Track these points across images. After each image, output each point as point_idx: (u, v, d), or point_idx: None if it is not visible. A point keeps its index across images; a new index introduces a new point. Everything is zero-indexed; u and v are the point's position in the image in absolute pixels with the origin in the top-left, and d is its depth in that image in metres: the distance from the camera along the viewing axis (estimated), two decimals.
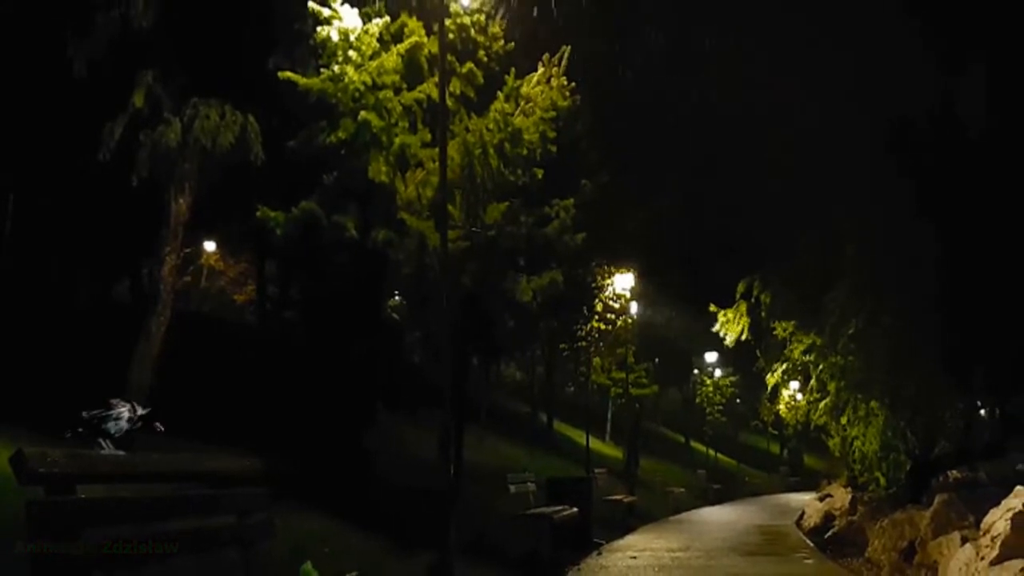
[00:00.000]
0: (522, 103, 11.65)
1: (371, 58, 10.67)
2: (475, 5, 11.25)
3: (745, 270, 18.55)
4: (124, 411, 8.68)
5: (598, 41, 18.60)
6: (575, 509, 12.58)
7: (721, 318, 19.06)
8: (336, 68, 10.53)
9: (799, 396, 22.97)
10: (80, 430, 8.33)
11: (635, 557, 12.17)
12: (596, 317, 22.12)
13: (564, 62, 11.90)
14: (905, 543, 10.37)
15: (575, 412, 33.65)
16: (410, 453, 16.05)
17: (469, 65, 11.15)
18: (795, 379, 19.96)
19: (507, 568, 9.94)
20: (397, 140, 10.67)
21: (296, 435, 11.32)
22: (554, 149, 11.81)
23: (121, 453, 7.52)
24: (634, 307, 23.82)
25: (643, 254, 24.34)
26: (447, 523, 7.81)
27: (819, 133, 15.20)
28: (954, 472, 19.84)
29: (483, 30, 11.41)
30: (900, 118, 13.69)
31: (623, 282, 22.25)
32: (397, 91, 10.78)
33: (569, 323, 20.79)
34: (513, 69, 11.63)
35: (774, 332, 17.60)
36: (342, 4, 10.57)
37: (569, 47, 12.01)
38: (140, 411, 8.90)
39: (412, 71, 10.96)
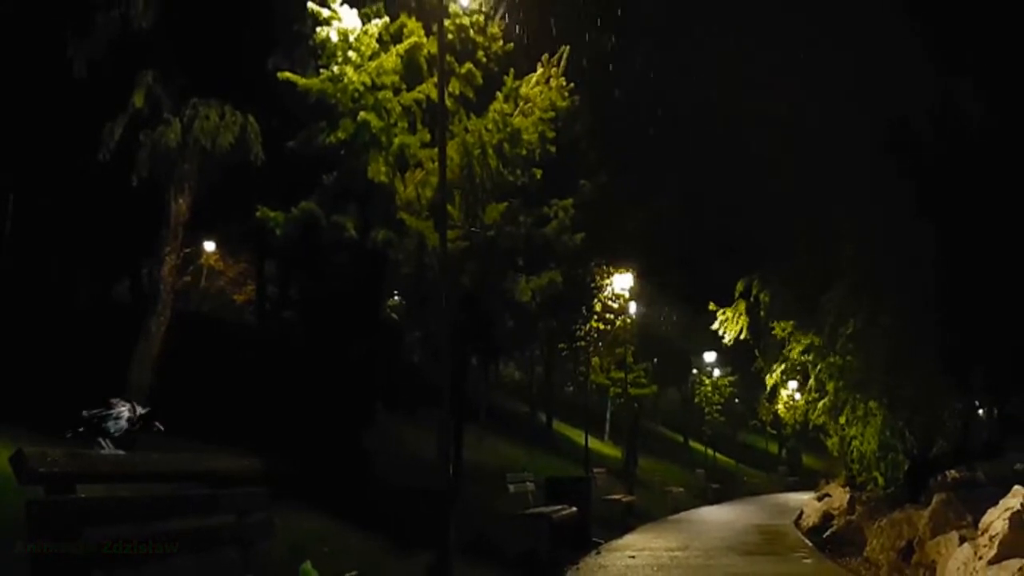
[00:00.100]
0: (521, 103, 11.66)
1: (370, 59, 10.68)
2: (474, 6, 11.25)
3: (744, 270, 18.57)
4: (124, 411, 8.68)
5: (597, 41, 18.60)
6: (574, 509, 12.60)
7: (720, 316, 19.09)
8: (335, 68, 10.54)
9: (798, 396, 22.99)
10: (80, 430, 8.34)
11: (634, 556, 12.18)
12: (595, 317, 22.15)
13: (563, 62, 11.91)
14: (903, 542, 10.37)
15: (574, 412, 33.67)
16: (409, 453, 16.07)
17: (468, 65, 11.15)
18: (794, 379, 19.99)
19: (506, 568, 9.95)
20: (396, 140, 10.68)
21: (295, 435, 11.34)
22: (553, 149, 11.82)
23: (121, 453, 7.54)
24: (633, 307, 23.84)
25: (642, 254, 24.36)
26: (446, 523, 7.81)
27: (819, 133, 15.20)
28: (952, 472, 19.82)
29: (482, 31, 11.42)
30: (899, 118, 13.70)
31: (622, 282, 22.27)
32: (396, 91, 10.79)
33: (568, 323, 20.81)
34: (512, 70, 11.64)
35: (773, 332, 17.63)
36: (341, 5, 10.58)
37: (568, 47, 12.02)
38: (140, 411, 8.90)
39: (411, 71, 10.97)
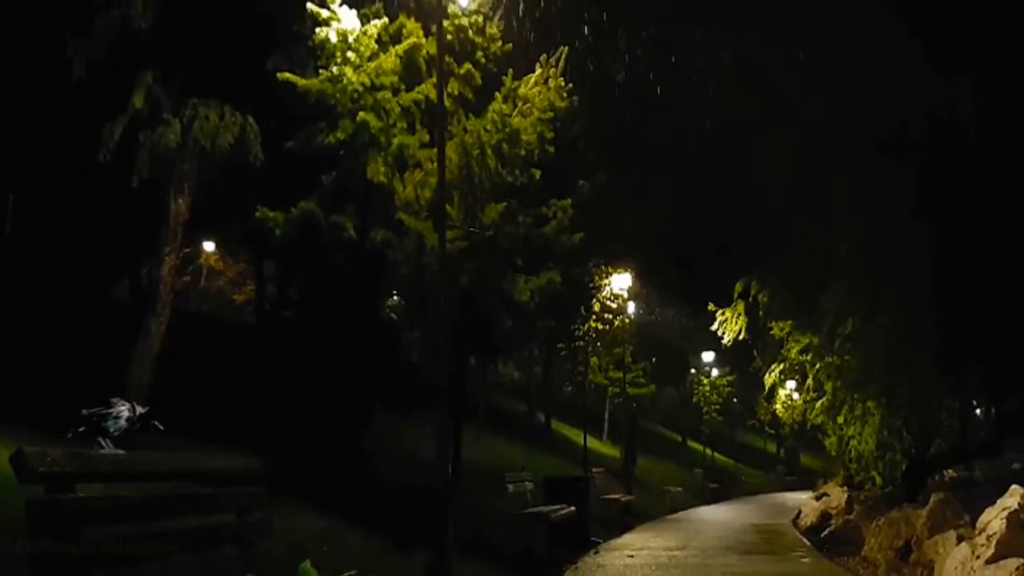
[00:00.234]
0: (520, 104, 11.70)
1: (369, 59, 10.71)
2: (473, 6, 11.29)
3: (742, 270, 18.58)
4: (124, 410, 8.68)
5: (596, 42, 18.63)
6: (573, 508, 12.61)
7: (720, 317, 19.10)
8: (335, 69, 10.57)
9: (796, 395, 23.01)
10: (80, 429, 8.35)
11: (632, 556, 12.20)
12: (594, 317, 22.14)
13: (562, 63, 11.95)
14: (901, 542, 10.40)
15: (573, 411, 33.69)
16: (408, 452, 16.08)
17: (467, 66, 11.18)
18: (792, 378, 19.99)
19: (504, 567, 9.97)
20: (395, 141, 10.71)
21: (294, 434, 11.35)
22: (552, 149, 11.86)
23: (121, 452, 7.54)
24: (631, 307, 23.87)
25: (641, 254, 24.38)
26: (445, 522, 7.83)
27: (817, 133, 15.22)
28: (950, 471, 19.95)
29: (481, 31, 11.45)
30: (898, 119, 13.72)
31: (620, 282, 22.28)
32: (395, 92, 10.82)
33: (567, 323, 20.80)
34: (511, 70, 11.68)
35: (771, 332, 17.64)
36: (340, 5, 10.61)
37: (567, 48, 12.06)
38: (140, 410, 8.91)
39: (410, 72, 11.00)
